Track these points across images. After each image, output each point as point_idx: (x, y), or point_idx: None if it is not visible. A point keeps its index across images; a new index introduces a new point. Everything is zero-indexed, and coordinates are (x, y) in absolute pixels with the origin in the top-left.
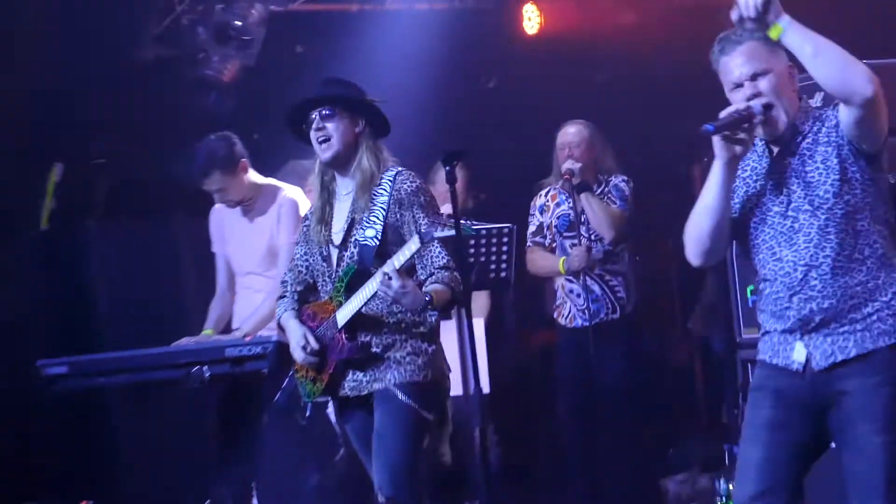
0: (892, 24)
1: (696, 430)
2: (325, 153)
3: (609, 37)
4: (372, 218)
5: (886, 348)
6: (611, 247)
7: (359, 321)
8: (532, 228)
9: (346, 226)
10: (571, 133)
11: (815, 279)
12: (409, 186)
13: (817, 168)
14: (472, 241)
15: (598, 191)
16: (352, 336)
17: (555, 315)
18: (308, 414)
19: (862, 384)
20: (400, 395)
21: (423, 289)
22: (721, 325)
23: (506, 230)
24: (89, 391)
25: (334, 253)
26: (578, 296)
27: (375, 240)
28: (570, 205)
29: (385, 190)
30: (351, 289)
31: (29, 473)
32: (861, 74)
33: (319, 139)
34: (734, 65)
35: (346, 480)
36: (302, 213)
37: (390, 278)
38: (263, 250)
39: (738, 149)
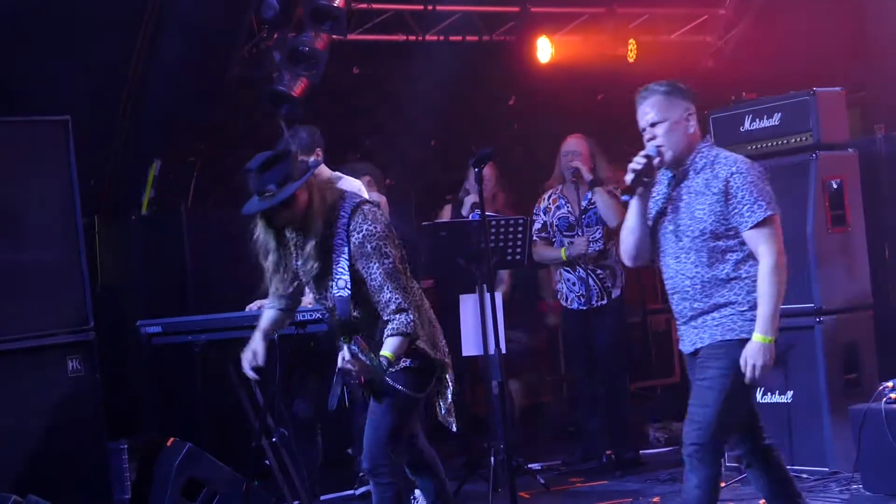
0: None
1: (673, 384)
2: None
3: (608, 64)
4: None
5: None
6: (602, 245)
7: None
8: (538, 226)
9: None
10: (573, 143)
11: (690, 288)
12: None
13: (701, 206)
14: (493, 230)
15: (591, 197)
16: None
17: (557, 297)
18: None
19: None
20: (391, 383)
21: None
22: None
23: (521, 221)
24: (178, 347)
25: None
26: (574, 284)
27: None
28: (570, 209)
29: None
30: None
31: (128, 413)
32: (782, 274)
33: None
34: (641, 114)
35: None
36: None
37: (344, 360)
38: None
39: (642, 190)
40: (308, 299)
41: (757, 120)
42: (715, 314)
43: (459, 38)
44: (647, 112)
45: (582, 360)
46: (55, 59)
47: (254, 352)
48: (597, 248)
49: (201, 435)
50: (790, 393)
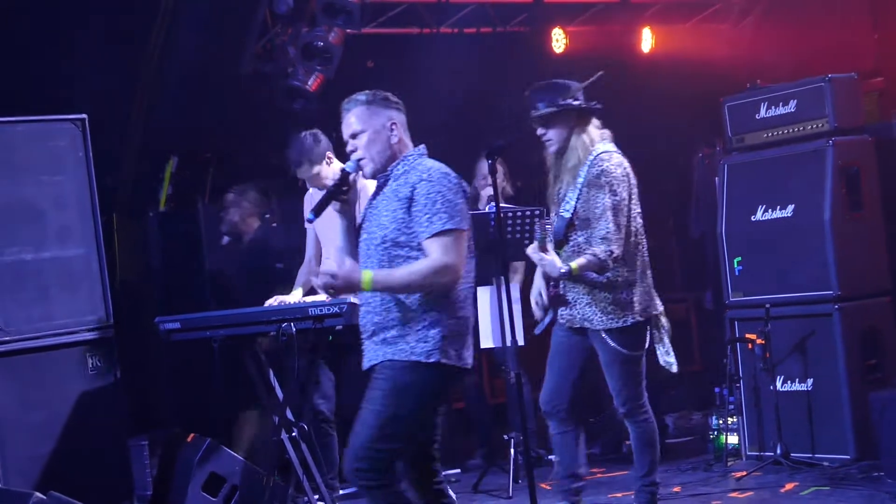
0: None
1: (692, 374)
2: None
3: (622, 54)
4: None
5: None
6: None
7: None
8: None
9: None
10: None
11: (371, 300)
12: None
13: (387, 213)
14: (510, 221)
15: None
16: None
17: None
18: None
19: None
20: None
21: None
22: (712, 288)
23: (537, 212)
24: (197, 343)
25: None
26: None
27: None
28: None
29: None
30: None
31: (148, 409)
32: (435, 283)
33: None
34: (344, 126)
35: None
36: None
37: (533, 251)
38: None
39: (340, 205)
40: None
41: (772, 107)
42: (393, 331)
43: (473, 30)
44: (350, 123)
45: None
46: (71, 58)
47: (539, 291)
48: None
49: (221, 430)
50: (810, 381)
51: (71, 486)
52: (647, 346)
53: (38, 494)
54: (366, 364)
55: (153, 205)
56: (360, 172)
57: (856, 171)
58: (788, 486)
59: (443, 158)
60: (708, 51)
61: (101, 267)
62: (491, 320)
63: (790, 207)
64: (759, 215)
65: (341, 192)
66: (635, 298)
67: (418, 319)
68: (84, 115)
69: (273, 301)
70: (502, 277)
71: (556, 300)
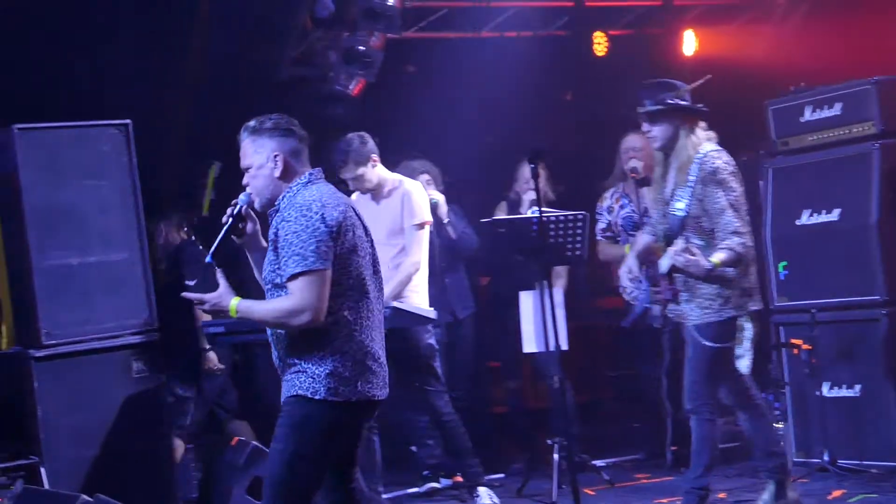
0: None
1: None
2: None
3: (664, 57)
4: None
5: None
6: None
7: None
8: (602, 225)
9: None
10: (634, 139)
11: (272, 338)
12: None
13: (267, 254)
14: (552, 226)
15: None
16: (670, 281)
17: (620, 292)
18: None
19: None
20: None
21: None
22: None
23: (580, 217)
24: (240, 346)
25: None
26: (640, 282)
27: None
28: (633, 208)
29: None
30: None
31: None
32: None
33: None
34: (240, 158)
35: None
36: (421, 202)
37: (678, 254)
38: (387, 228)
39: (241, 239)
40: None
41: (817, 110)
42: (294, 367)
43: (514, 33)
44: (242, 155)
45: (648, 356)
46: (114, 64)
47: (629, 268)
48: None
49: (265, 433)
50: (858, 387)
51: (117, 489)
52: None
53: (85, 497)
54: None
55: (197, 209)
56: (244, 208)
57: None
58: (836, 494)
59: (482, 162)
60: (751, 53)
61: (145, 271)
62: (534, 325)
63: (836, 211)
64: (805, 219)
65: (237, 227)
66: (731, 293)
67: (311, 355)
68: (128, 121)
69: None
70: (545, 282)
71: (669, 297)
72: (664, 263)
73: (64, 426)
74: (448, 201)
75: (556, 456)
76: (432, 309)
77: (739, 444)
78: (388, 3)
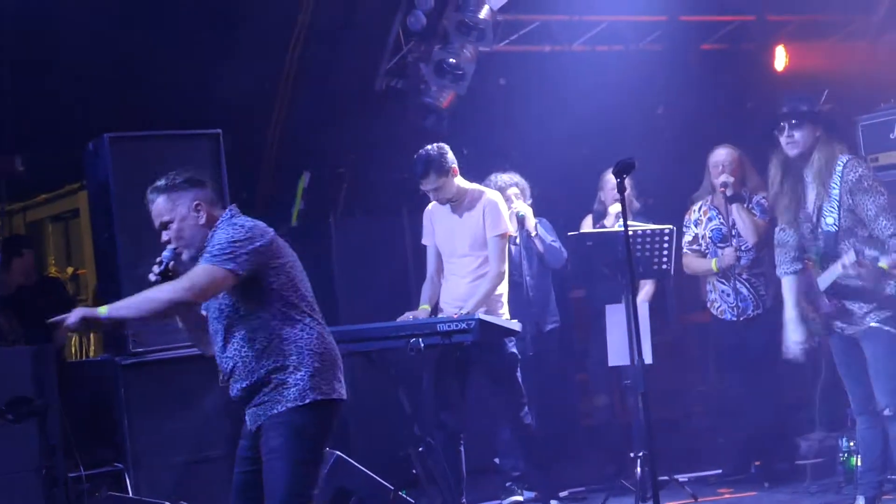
0: None
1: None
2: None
3: (757, 71)
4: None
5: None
6: (755, 253)
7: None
8: (688, 238)
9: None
10: (723, 154)
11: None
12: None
13: None
14: (639, 239)
15: (747, 204)
16: (830, 298)
17: (707, 306)
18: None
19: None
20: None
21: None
22: None
23: (667, 231)
24: None
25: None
26: (728, 295)
27: (835, 226)
28: (722, 220)
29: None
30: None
31: None
32: (159, 304)
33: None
34: (153, 215)
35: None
36: (503, 213)
37: (850, 267)
38: (470, 239)
39: None
40: (449, 310)
41: None
42: (266, 388)
43: (605, 47)
44: (157, 214)
45: (736, 371)
46: (211, 73)
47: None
48: (749, 258)
49: (349, 444)
50: None
51: (200, 496)
52: None
53: None
54: (252, 426)
55: (286, 219)
56: (171, 262)
57: None
58: None
59: (572, 176)
60: (843, 69)
61: None
62: (619, 338)
63: None
64: None
65: (166, 280)
66: None
67: (287, 364)
68: (219, 130)
69: (408, 316)
70: (630, 296)
71: (839, 312)
72: (825, 280)
73: (149, 433)
74: (536, 214)
75: (638, 470)
76: (516, 321)
77: (823, 461)
78: (481, 17)
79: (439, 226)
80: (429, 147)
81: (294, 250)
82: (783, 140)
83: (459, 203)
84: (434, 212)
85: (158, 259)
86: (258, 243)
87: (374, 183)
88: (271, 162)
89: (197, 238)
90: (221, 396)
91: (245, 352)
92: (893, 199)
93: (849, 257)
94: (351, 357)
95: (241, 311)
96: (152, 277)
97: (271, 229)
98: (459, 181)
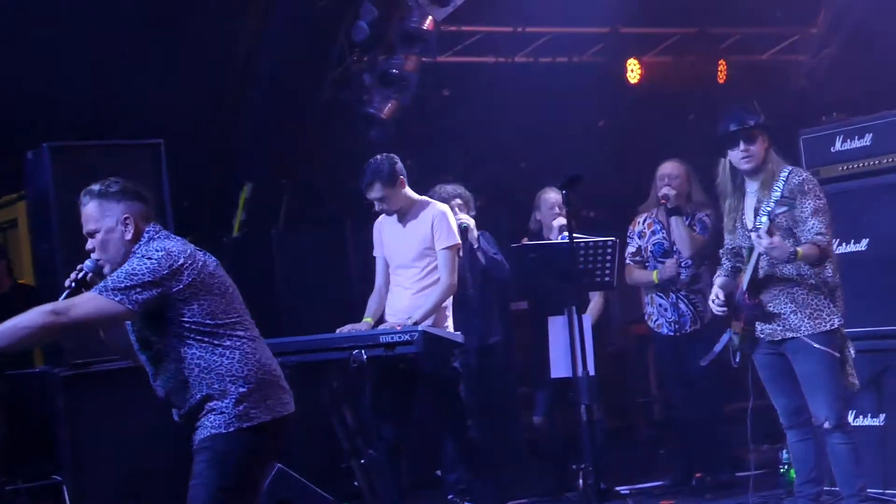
0: None
1: (764, 406)
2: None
3: (699, 85)
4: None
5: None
6: (695, 270)
7: (755, 284)
8: (632, 249)
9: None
10: (669, 167)
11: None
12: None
13: None
14: (581, 251)
15: (687, 221)
16: (751, 296)
17: (645, 318)
18: (737, 360)
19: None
20: (815, 344)
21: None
22: None
23: (610, 243)
24: None
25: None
26: (666, 310)
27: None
28: (665, 235)
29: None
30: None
31: None
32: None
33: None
34: (83, 220)
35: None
36: (452, 225)
37: (759, 237)
38: (416, 250)
39: None
40: (393, 322)
41: (848, 140)
42: (203, 412)
43: (549, 59)
44: (85, 219)
45: (675, 384)
46: (152, 83)
47: (715, 295)
48: (689, 274)
49: (291, 456)
50: (883, 416)
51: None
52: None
53: None
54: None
55: (228, 230)
56: (88, 274)
57: None
58: None
59: (515, 187)
60: (785, 82)
61: None
62: (562, 350)
63: (864, 241)
64: (834, 249)
65: (79, 292)
66: (838, 303)
67: (212, 392)
68: (160, 140)
69: (346, 329)
70: (573, 307)
71: (761, 312)
72: (746, 276)
73: (89, 446)
74: (479, 226)
75: (581, 482)
76: (459, 333)
77: (763, 472)
78: (425, 27)
79: (387, 236)
80: (378, 157)
81: (236, 261)
82: (738, 154)
83: (407, 214)
84: (383, 223)
85: (80, 266)
86: (162, 273)
87: (318, 194)
88: (214, 172)
89: (120, 254)
90: (162, 409)
91: (172, 383)
92: (839, 209)
93: (762, 225)
94: (293, 369)
95: (157, 344)
96: (67, 283)
97: (188, 248)
98: (408, 192)
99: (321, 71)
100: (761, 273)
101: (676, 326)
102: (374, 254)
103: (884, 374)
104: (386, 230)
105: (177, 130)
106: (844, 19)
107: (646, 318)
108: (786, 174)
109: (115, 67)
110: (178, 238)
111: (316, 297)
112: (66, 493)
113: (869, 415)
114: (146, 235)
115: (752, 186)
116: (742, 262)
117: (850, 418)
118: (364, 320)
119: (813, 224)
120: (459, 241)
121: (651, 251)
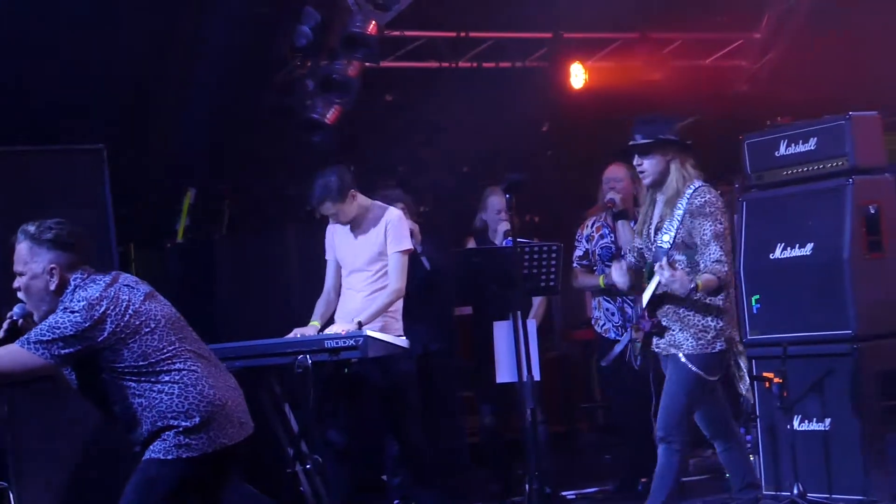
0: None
1: None
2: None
3: (642, 89)
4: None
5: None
6: None
7: (652, 304)
8: (579, 253)
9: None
10: (615, 171)
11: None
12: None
13: None
14: (526, 256)
15: (633, 224)
16: (650, 314)
17: (592, 322)
18: (638, 363)
19: None
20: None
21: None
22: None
23: (554, 247)
24: None
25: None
26: (613, 314)
27: (669, 244)
28: (612, 238)
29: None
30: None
31: None
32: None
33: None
34: (14, 260)
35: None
36: (404, 230)
37: (662, 268)
38: (368, 254)
39: None
40: (337, 327)
41: (792, 145)
42: (154, 437)
43: (492, 64)
44: (15, 258)
45: (620, 389)
46: (90, 88)
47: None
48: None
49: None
50: (828, 420)
51: None
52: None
53: None
54: None
55: (171, 236)
56: (19, 320)
57: (876, 211)
58: None
59: (459, 192)
60: (727, 87)
61: None
62: (507, 355)
63: (809, 246)
64: (778, 253)
65: (10, 340)
66: (723, 325)
67: (155, 421)
68: (102, 145)
69: (297, 333)
70: (518, 312)
71: (659, 330)
72: (647, 294)
73: (34, 451)
74: (423, 231)
75: (527, 486)
76: (404, 338)
77: (709, 477)
78: (367, 32)
79: (340, 240)
80: (325, 172)
81: (179, 267)
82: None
83: (360, 218)
84: (336, 227)
85: (10, 313)
86: (84, 327)
87: (261, 199)
88: (155, 178)
89: (45, 303)
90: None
91: (121, 422)
92: (783, 213)
93: (662, 260)
94: (236, 374)
95: (94, 388)
96: (1, 334)
97: (111, 292)
98: (360, 200)
99: (264, 76)
100: (659, 290)
101: (623, 330)
102: (326, 257)
103: (828, 379)
104: (339, 234)
105: (118, 136)
106: (787, 25)
107: (592, 322)
108: (690, 192)
109: (54, 71)
110: (103, 280)
111: (258, 303)
112: (11, 498)
113: (814, 419)
114: (72, 284)
115: (660, 198)
116: (644, 263)
117: (795, 423)
118: (311, 323)
119: (713, 250)
120: (412, 246)
121: (599, 255)
